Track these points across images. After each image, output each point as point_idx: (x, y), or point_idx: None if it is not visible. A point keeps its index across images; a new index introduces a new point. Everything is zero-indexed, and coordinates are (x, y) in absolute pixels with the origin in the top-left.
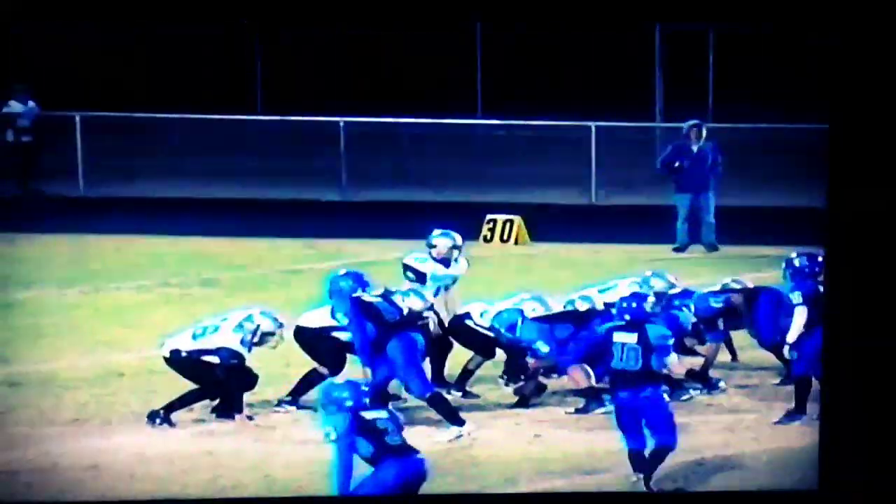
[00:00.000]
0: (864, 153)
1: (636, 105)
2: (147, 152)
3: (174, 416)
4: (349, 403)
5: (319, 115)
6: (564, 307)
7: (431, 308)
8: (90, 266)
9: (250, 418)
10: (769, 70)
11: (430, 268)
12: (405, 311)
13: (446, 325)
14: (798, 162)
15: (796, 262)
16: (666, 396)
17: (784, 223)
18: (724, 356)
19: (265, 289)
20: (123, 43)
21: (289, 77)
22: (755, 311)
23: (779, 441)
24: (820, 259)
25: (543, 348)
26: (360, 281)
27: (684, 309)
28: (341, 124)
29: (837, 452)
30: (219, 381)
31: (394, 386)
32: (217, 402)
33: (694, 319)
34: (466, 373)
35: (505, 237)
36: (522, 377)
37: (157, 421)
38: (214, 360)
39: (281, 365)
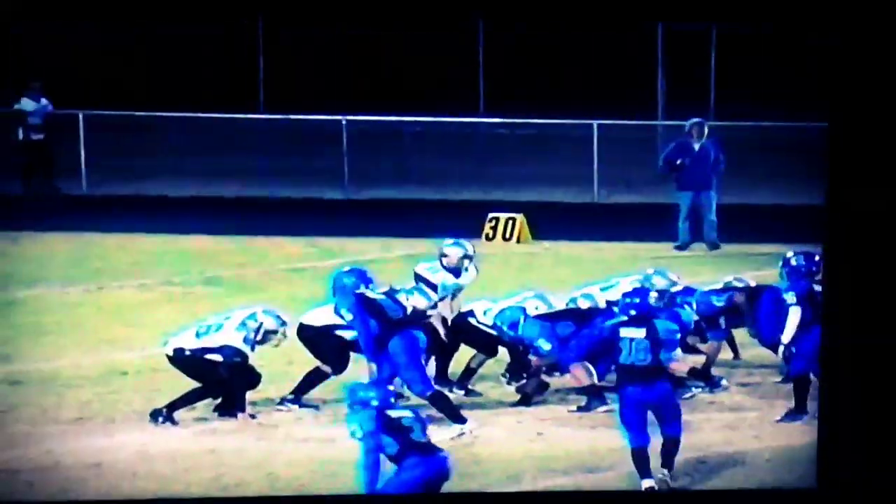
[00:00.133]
0: (864, 152)
1: (638, 103)
2: (150, 151)
3: (177, 415)
4: (375, 403)
5: (321, 113)
6: (567, 305)
7: (435, 306)
8: (93, 264)
9: (253, 417)
10: (771, 68)
11: (441, 278)
12: (409, 310)
13: (450, 323)
14: (801, 160)
15: (793, 262)
16: None
17: (786, 221)
18: (726, 354)
19: (268, 287)
20: (125, 42)
21: (290, 76)
22: (757, 309)
23: (781, 439)
24: (817, 258)
25: (545, 346)
26: (363, 278)
27: (686, 307)
28: (343, 122)
29: (836, 450)
30: (222, 380)
31: (395, 384)
32: (220, 400)
33: (696, 317)
34: (469, 371)
35: (507, 235)
36: (525, 375)
37: (160, 419)
38: (217, 358)
39: (284, 363)
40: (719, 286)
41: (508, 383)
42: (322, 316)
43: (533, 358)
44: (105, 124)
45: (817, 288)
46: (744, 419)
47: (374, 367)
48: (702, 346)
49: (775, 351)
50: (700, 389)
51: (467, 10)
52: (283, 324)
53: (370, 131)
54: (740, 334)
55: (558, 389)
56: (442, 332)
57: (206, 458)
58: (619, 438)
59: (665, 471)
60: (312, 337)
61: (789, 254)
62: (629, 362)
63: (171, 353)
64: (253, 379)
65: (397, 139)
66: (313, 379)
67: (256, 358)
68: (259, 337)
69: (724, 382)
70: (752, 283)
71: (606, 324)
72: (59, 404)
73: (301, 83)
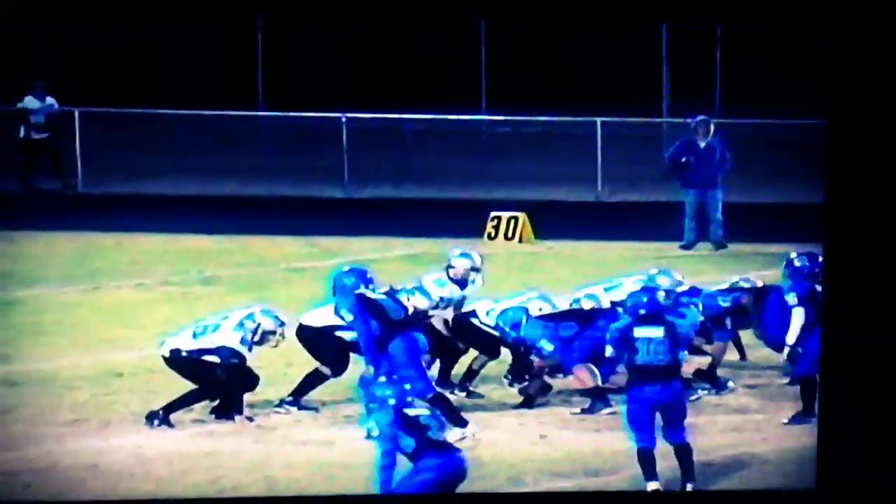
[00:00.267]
0: (863, 152)
1: (642, 100)
2: (147, 149)
3: (173, 417)
4: (392, 401)
5: (321, 111)
6: (570, 306)
7: (437, 307)
8: (90, 264)
9: (250, 419)
10: (778, 65)
11: (447, 291)
12: (410, 310)
13: (448, 322)
14: (809, 158)
15: (796, 262)
16: None
17: (794, 220)
18: (732, 355)
19: (267, 287)
20: (123, 39)
21: (290, 73)
22: (763, 310)
23: (788, 442)
24: (820, 259)
25: (548, 347)
26: (363, 278)
27: (691, 307)
28: (343, 120)
29: (836, 451)
30: (219, 382)
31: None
32: (217, 402)
33: (701, 318)
34: (471, 373)
35: (509, 235)
36: (527, 377)
37: (156, 422)
38: (214, 359)
39: (282, 364)
40: (725, 286)
41: (511, 385)
42: (322, 316)
43: (535, 359)
44: (101, 122)
45: (819, 288)
46: (750, 421)
47: (371, 369)
48: (707, 348)
49: (781, 352)
50: (706, 391)
51: (469, 8)
52: (282, 324)
53: (371, 129)
54: (747, 335)
55: (561, 391)
56: (447, 334)
57: (203, 460)
58: (624, 441)
59: (690, 484)
60: (312, 338)
61: (792, 254)
62: (646, 362)
63: (167, 354)
64: (251, 380)
65: (398, 137)
66: (312, 380)
67: (255, 359)
68: (257, 338)
69: (730, 384)
70: (759, 284)
71: (617, 325)
72: (57, 405)
73: (300, 80)
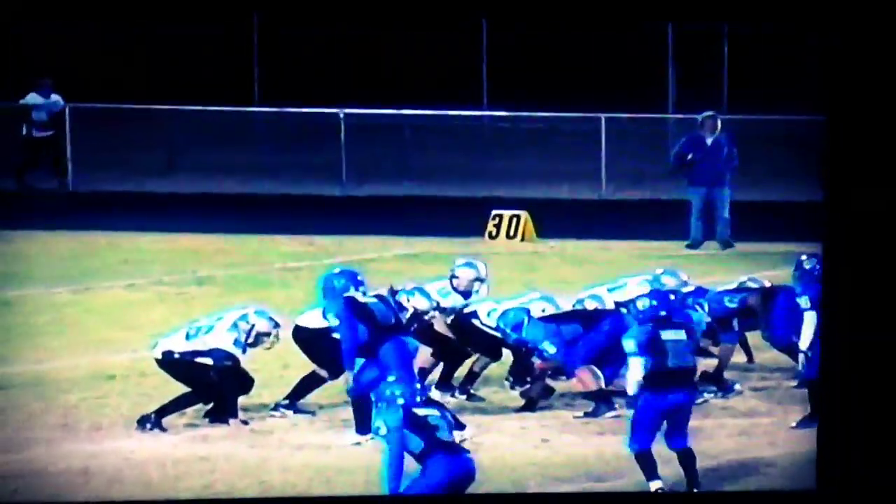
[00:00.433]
0: (863, 150)
1: (648, 96)
2: (141, 146)
3: (166, 421)
4: (401, 400)
5: (318, 106)
6: (573, 306)
7: (437, 308)
8: (82, 264)
9: (245, 423)
10: (784, 61)
11: (450, 301)
12: (410, 311)
13: (448, 323)
14: (818, 155)
15: (806, 265)
16: None
17: (803, 219)
18: (739, 357)
19: (263, 287)
20: (117, 35)
21: (287, 68)
22: (771, 311)
23: (797, 445)
24: None
25: (550, 349)
26: (353, 280)
27: (698, 308)
28: (341, 116)
29: (836, 452)
30: (212, 384)
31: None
32: (211, 405)
33: (708, 319)
34: (472, 375)
35: (511, 233)
36: (529, 379)
37: (148, 425)
38: (208, 361)
39: (278, 367)
40: (733, 287)
41: (512, 387)
42: (319, 317)
43: (537, 361)
44: (93, 118)
45: None
46: (758, 425)
47: (349, 375)
48: (714, 349)
49: (789, 354)
50: (713, 394)
51: (472, 6)
52: (276, 325)
53: (369, 125)
54: (754, 337)
55: (564, 394)
56: (443, 329)
57: (196, 465)
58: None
59: (696, 489)
60: (308, 339)
61: (803, 257)
62: (675, 366)
63: (159, 357)
64: (245, 383)
65: (397, 133)
66: (309, 383)
67: (249, 361)
68: (251, 339)
69: (737, 387)
70: (767, 284)
71: (638, 330)
72: (47, 408)
73: (297, 76)
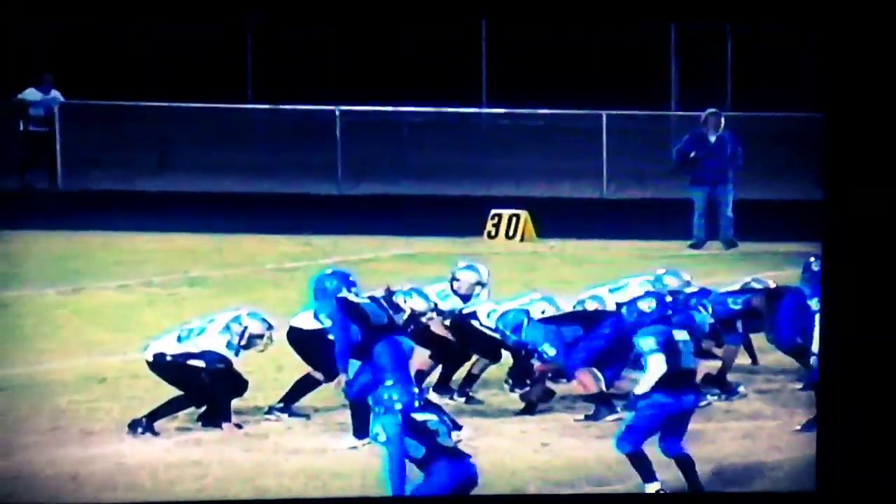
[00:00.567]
0: (862, 150)
1: (650, 92)
2: (131, 144)
3: (158, 425)
4: (399, 406)
5: (313, 103)
6: (574, 308)
7: (435, 309)
8: (72, 264)
9: (239, 426)
10: (788, 57)
11: (449, 304)
12: (407, 312)
13: (448, 324)
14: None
15: (814, 267)
16: None
17: (809, 218)
18: (743, 359)
19: (257, 288)
20: (109, 33)
21: (281, 65)
22: (777, 312)
23: (802, 449)
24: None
25: (550, 351)
26: (346, 281)
27: (701, 309)
28: (337, 113)
29: (835, 453)
30: (205, 387)
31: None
32: (204, 409)
33: (711, 321)
34: (470, 377)
35: (510, 233)
36: (528, 382)
37: (140, 430)
38: (200, 364)
39: (272, 369)
40: (736, 288)
41: (512, 390)
42: (312, 319)
43: (537, 363)
44: (82, 115)
45: None
46: (762, 428)
47: (344, 378)
48: (717, 351)
49: (794, 356)
50: (716, 397)
51: (471, 4)
52: (270, 327)
53: (365, 122)
54: (758, 339)
55: (564, 397)
56: (441, 331)
57: (189, 470)
58: None
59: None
60: (303, 341)
61: (811, 258)
62: (687, 367)
63: (150, 359)
64: (239, 386)
65: (394, 130)
66: (304, 386)
67: (243, 364)
68: (243, 341)
69: (741, 389)
70: (772, 285)
71: (651, 331)
72: (36, 412)
73: (291, 72)
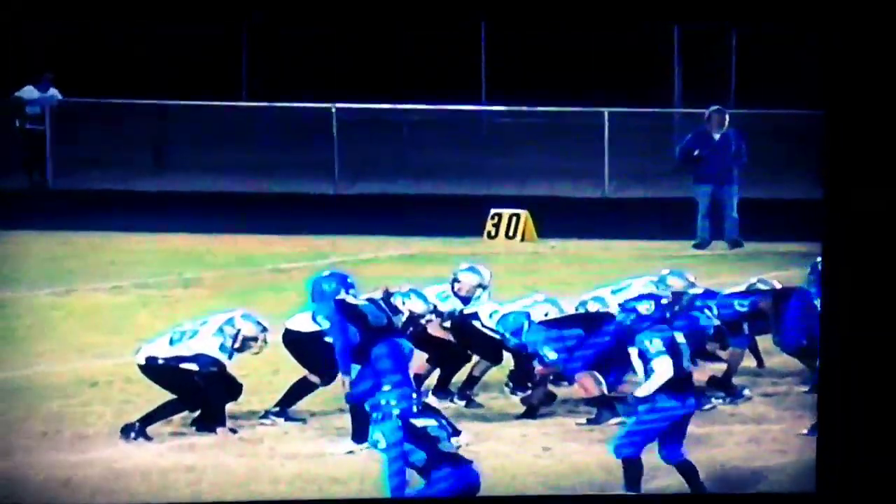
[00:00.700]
0: (862, 149)
1: (652, 90)
2: (124, 143)
3: (151, 430)
4: (397, 411)
5: (309, 101)
6: (576, 309)
7: (434, 311)
8: (64, 265)
9: (234, 431)
10: (795, 54)
11: (449, 306)
12: (406, 314)
13: (447, 326)
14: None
15: (821, 268)
16: None
17: (814, 218)
18: (748, 362)
19: (252, 289)
20: (104, 29)
21: (276, 62)
22: (783, 313)
23: (808, 453)
24: None
25: (551, 355)
26: (344, 282)
27: (706, 311)
28: (333, 111)
29: (835, 454)
30: (198, 391)
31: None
32: (197, 413)
33: (717, 322)
34: (471, 379)
35: (510, 233)
36: (530, 385)
37: (133, 434)
38: (193, 367)
39: (268, 372)
40: (742, 289)
41: (512, 393)
42: (309, 321)
43: (538, 366)
44: (73, 114)
45: None
46: (768, 432)
47: (347, 380)
48: (723, 354)
49: (800, 358)
50: (721, 400)
51: (471, 3)
52: (264, 329)
53: (363, 120)
54: (764, 340)
55: (566, 400)
56: (440, 333)
57: (183, 475)
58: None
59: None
60: (299, 343)
61: (818, 259)
62: (688, 370)
63: (142, 363)
64: (233, 389)
65: (392, 129)
66: (300, 390)
67: (238, 367)
68: (237, 344)
69: (746, 392)
70: (778, 286)
71: (654, 335)
72: (27, 416)
73: (287, 70)
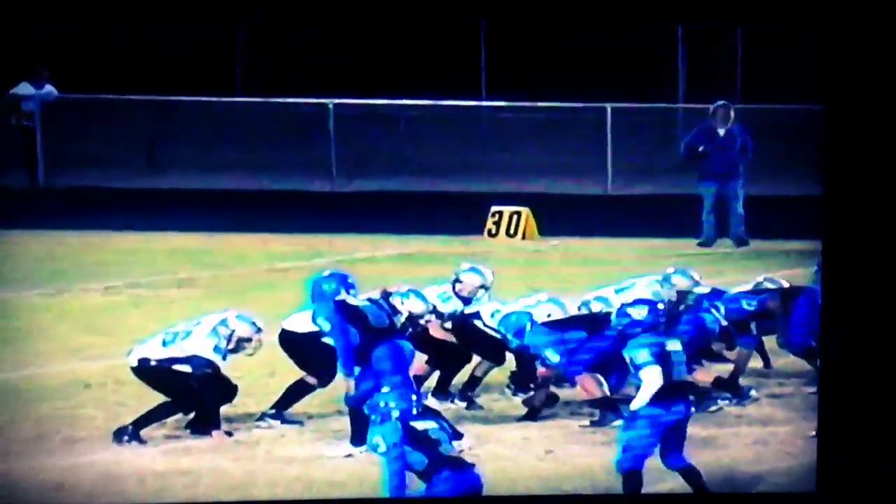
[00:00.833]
0: (862, 144)
1: (656, 85)
2: (116, 139)
3: (144, 433)
4: (396, 413)
5: (306, 96)
6: (579, 309)
7: (434, 311)
8: (54, 265)
9: (229, 434)
10: (800, 49)
11: (450, 307)
12: (405, 314)
13: (447, 326)
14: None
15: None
16: None
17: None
18: (755, 362)
19: (248, 289)
20: (98, 27)
21: (271, 56)
22: (791, 313)
23: (810, 454)
24: None
25: (553, 357)
26: (344, 283)
27: (713, 310)
28: (330, 107)
29: (836, 452)
30: (192, 393)
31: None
32: (192, 416)
33: (723, 322)
34: (473, 380)
35: (511, 231)
36: (531, 386)
37: (126, 438)
38: (186, 369)
39: (264, 374)
40: (749, 288)
41: (514, 394)
42: (306, 321)
43: (540, 368)
44: (65, 110)
45: None
46: (775, 433)
47: (351, 382)
48: (729, 354)
49: (807, 359)
50: (727, 402)
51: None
52: (259, 330)
53: (360, 116)
54: (770, 341)
55: (569, 402)
56: (440, 333)
57: (178, 479)
58: None
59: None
60: (296, 344)
61: None
62: (679, 378)
63: (135, 364)
64: (227, 392)
65: (391, 125)
66: (297, 391)
67: (233, 368)
68: (231, 345)
69: (753, 393)
70: (785, 285)
71: (645, 341)
72: (18, 419)
73: (282, 64)
